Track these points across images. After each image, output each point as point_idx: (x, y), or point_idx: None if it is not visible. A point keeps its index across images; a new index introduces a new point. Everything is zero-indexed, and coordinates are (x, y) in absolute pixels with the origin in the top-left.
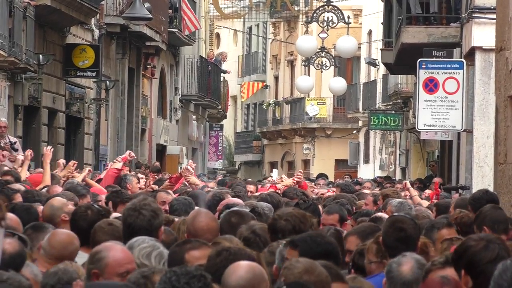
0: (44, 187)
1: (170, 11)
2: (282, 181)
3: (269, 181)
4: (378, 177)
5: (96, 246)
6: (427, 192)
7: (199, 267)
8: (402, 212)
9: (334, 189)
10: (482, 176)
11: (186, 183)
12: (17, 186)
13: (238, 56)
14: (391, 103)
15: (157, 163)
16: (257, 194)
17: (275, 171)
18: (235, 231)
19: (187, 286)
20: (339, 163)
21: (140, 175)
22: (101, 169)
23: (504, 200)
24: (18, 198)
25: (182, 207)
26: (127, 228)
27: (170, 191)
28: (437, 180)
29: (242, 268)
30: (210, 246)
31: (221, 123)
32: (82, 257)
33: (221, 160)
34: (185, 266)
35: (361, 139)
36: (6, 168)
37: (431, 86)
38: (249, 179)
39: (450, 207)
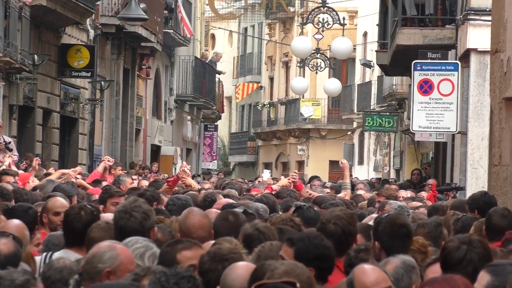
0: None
1: (165, 11)
2: (276, 181)
3: (259, 181)
4: (373, 178)
5: (91, 243)
6: (423, 194)
7: (189, 268)
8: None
9: (329, 190)
10: (476, 178)
11: (183, 184)
12: (8, 185)
13: (233, 57)
14: (385, 104)
15: (155, 166)
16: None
17: (266, 171)
18: (230, 230)
19: (176, 286)
20: (334, 164)
21: (133, 176)
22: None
23: (499, 202)
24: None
25: (177, 208)
26: (119, 230)
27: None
28: (433, 181)
29: (242, 268)
30: (201, 246)
31: (215, 123)
32: (74, 257)
33: (216, 161)
34: (175, 267)
35: (356, 140)
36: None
37: (426, 87)
38: (257, 182)
39: (440, 209)
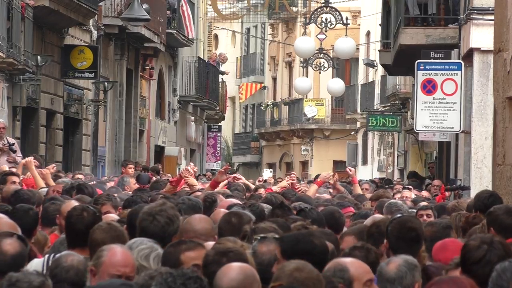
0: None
1: (168, 12)
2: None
3: (259, 180)
4: (376, 178)
5: (93, 245)
6: (424, 193)
7: (195, 269)
8: (397, 213)
9: (331, 190)
10: (480, 178)
11: (186, 184)
12: (14, 187)
13: (236, 57)
14: (389, 104)
15: (159, 166)
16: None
17: (266, 170)
18: (234, 231)
19: (183, 287)
20: (337, 164)
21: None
22: (99, 170)
23: (503, 201)
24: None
25: (188, 208)
26: (141, 232)
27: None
28: (438, 182)
29: (233, 270)
30: (204, 247)
31: (219, 124)
32: None
33: (220, 161)
34: (182, 268)
35: (359, 140)
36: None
37: (429, 87)
38: (257, 182)
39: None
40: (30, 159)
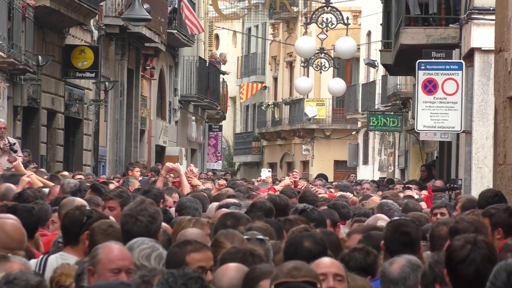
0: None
1: (170, 7)
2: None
3: (257, 181)
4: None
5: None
6: (423, 193)
7: (196, 270)
8: (389, 212)
9: (333, 190)
10: (481, 177)
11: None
12: (6, 185)
13: (237, 57)
14: (390, 104)
15: (160, 166)
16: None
17: (264, 170)
18: None
19: (184, 287)
20: (338, 164)
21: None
22: (100, 170)
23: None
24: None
25: (192, 205)
26: (126, 234)
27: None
28: (438, 183)
29: (232, 269)
30: (210, 248)
31: (220, 124)
32: (66, 258)
33: (220, 161)
34: (183, 268)
35: (360, 140)
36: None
37: (430, 87)
38: (256, 183)
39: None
40: (17, 162)
